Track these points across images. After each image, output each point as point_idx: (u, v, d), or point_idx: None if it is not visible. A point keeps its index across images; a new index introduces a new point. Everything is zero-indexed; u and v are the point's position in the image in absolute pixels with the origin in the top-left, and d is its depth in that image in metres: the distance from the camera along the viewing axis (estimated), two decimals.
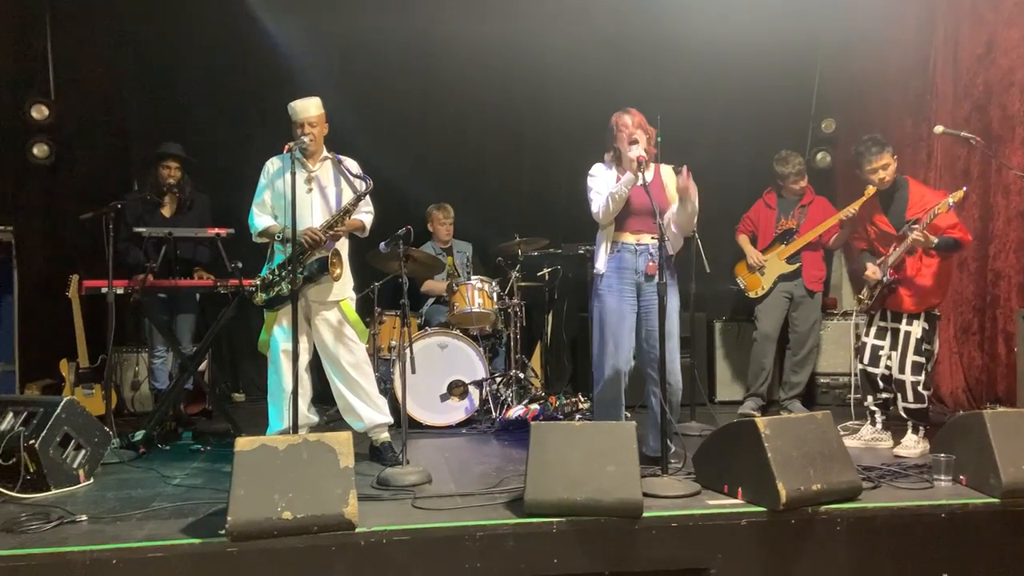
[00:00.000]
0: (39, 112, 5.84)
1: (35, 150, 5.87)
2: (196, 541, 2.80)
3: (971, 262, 5.09)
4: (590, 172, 3.99)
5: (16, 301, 6.04)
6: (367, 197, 4.05)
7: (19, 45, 5.98)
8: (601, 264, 3.92)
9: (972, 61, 5.08)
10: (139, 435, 4.46)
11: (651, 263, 3.84)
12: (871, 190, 4.26)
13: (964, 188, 3.97)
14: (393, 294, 5.40)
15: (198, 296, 5.19)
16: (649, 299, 3.88)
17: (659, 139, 5.87)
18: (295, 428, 3.68)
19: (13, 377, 6.02)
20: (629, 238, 3.89)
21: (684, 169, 3.71)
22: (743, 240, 5.52)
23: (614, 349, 3.88)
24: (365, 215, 4.12)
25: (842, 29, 6.32)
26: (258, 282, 4.08)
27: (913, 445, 4.08)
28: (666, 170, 3.99)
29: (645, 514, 2.98)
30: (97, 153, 6.14)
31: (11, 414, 3.61)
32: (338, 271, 3.96)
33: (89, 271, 5.03)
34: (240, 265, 4.64)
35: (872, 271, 4.18)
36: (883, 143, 4.14)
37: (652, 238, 3.83)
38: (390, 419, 4.16)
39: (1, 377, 6.37)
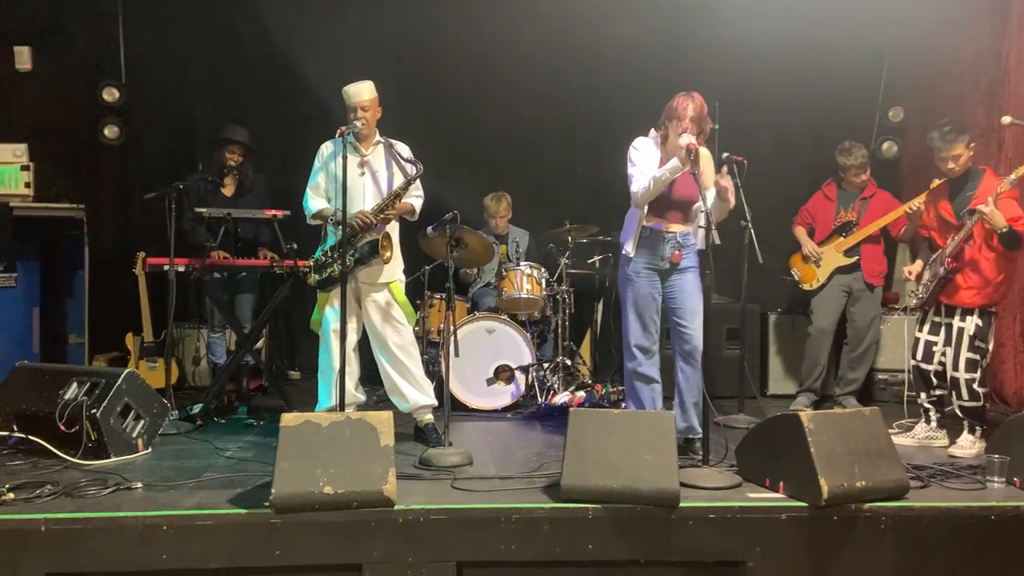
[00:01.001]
0: (110, 94, 6.05)
1: (106, 131, 6.08)
2: (242, 511, 2.91)
3: None
4: (634, 145, 3.91)
5: (87, 276, 6.32)
6: (417, 181, 4.11)
7: (93, 30, 6.21)
8: (631, 247, 3.91)
9: None
10: (196, 408, 4.62)
11: (676, 251, 3.84)
12: (935, 183, 4.14)
13: None
14: (443, 278, 5.45)
15: (258, 275, 5.34)
16: (674, 283, 3.89)
17: (716, 127, 5.78)
18: (342, 406, 3.77)
19: (83, 349, 6.31)
20: (660, 224, 3.87)
21: (723, 170, 3.65)
22: (799, 232, 5.39)
23: (643, 330, 3.91)
24: (415, 199, 4.18)
25: (913, 16, 6.09)
26: (312, 263, 4.18)
27: (969, 445, 3.96)
28: (704, 154, 3.87)
29: (682, 504, 2.98)
30: (165, 134, 6.36)
31: (75, 384, 3.78)
32: (388, 253, 4.02)
33: (156, 249, 5.20)
34: (295, 246, 4.75)
35: (914, 267, 4.13)
36: (959, 131, 3.97)
37: (682, 227, 3.88)
38: (434, 401, 4.22)
39: (73, 348, 6.70)
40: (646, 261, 3.88)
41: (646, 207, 3.86)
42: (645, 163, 3.83)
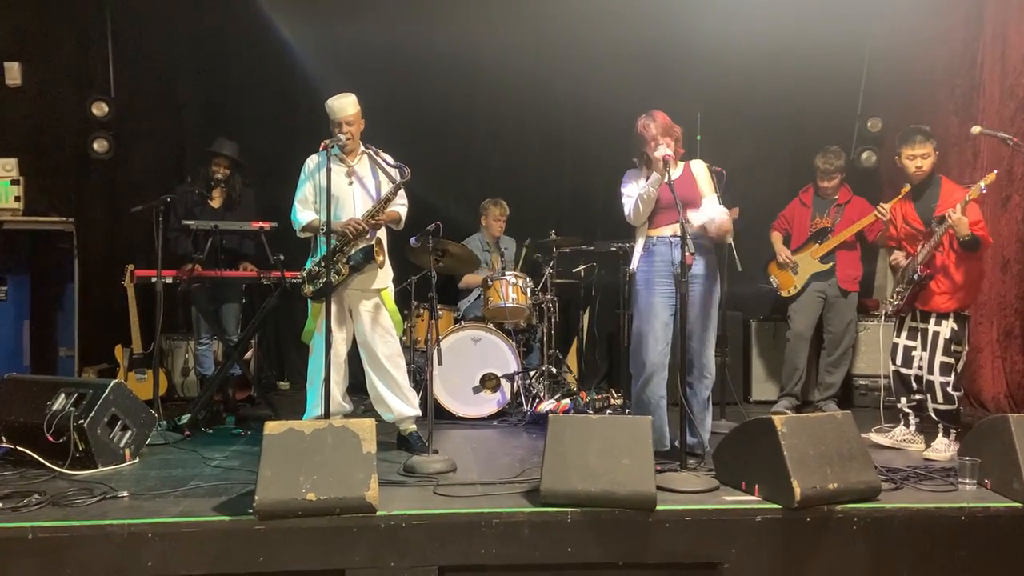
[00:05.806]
0: (99, 109, 6.13)
1: (95, 145, 6.15)
2: (226, 518, 2.95)
3: (1014, 264, 4.98)
4: (623, 179, 4.10)
5: (76, 289, 6.36)
6: (402, 190, 4.17)
7: (82, 46, 6.29)
8: (635, 262, 4.01)
9: (1018, 60, 4.97)
10: (184, 418, 4.67)
11: (689, 254, 3.80)
12: (906, 188, 4.24)
13: (996, 171, 3.94)
14: (429, 288, 5.50)
15: (243, 286, 5.39)
16: (690, 291, 3.84)
17: (698, 137, 5.88)
18: (327, 414, 3.81)
19: (73, 361, 6.35)
20: (665, 231, 3.95)
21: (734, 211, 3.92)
22: (775, 237, 5.49)
23: (643, 345, 3.93)
24: (400, 207, 4.24)
25: (890, 28, 6.22)
26: (304, 274, 4.22)
27: (944, 448, 4.03)
28: (697, 165, 4.05)
29: (659, 507, 3.02)
30: (154, 148, 6.42)
31: (63, 395, 3.81)
32: (381, 258, 4.08)
33: (144, 261, 5.25)
34: (282, 257, 4.80)
35: (897, 256, 4.20)
36: (928, 134, 4.10)
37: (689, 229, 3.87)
38: (418, 412, 4.27)
39: (63, 361, 6.74)
40: (653, 271, 3.94)
41: (646, 223, 3.98)
42: (632, 188, 4.01)
